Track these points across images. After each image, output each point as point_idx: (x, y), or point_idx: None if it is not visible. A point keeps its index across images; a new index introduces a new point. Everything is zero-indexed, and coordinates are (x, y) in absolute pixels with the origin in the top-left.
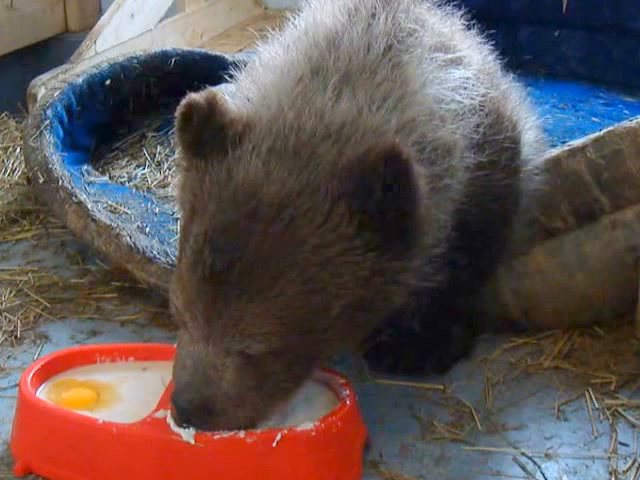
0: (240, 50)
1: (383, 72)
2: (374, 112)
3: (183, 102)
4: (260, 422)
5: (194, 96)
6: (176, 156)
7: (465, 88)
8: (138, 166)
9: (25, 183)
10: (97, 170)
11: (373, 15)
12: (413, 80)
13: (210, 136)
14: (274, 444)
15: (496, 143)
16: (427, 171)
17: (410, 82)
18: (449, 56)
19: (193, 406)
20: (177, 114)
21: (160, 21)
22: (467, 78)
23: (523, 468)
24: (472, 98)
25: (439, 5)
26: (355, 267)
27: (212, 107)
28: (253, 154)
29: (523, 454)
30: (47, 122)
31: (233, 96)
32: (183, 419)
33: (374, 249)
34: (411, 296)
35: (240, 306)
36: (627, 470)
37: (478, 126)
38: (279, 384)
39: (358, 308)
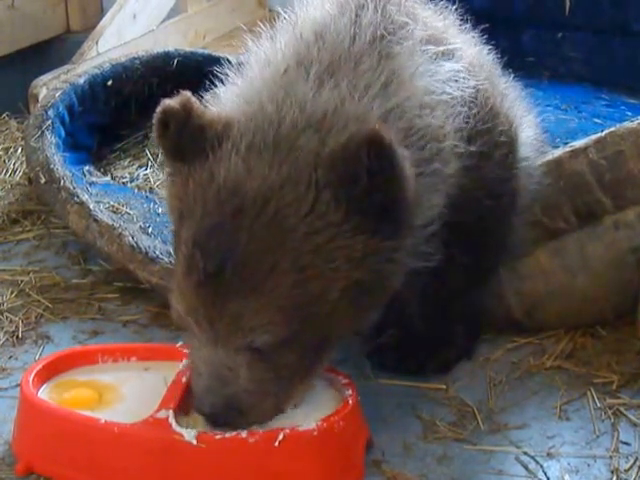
0: (243, 52)
1: (368, 62)
2: (356, 100)
3: (158, 109)
4: (286, 408)
5: (168, 101)
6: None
7: (456, 80)
8: (140, 166)
9: (26, 183)
10: (99, 170)
11: (362, 6)
12: (403, 72)
13: (189, 139)
14: (276, 444)
15: (489, 136)
16: (414, 155)
17: (400, 74)
18: (440, 49)
19: (218, 408)
20: (154, 121)
21: (162, 22)
22: (458, 71)
23: (525, 467)
24: (462, 90)
25: (434, 0)
26: (347, 250)
27: (188, 110)
28: (233, 152)
29: (525, 453)
30: (49, 122)
31: (224, 93)
32: (212, 424)
33: (364, 232)
34: (411, 277)
35: (239, 303)
36: (629, 469)
37: (468, 117)
38: (295, 372)
39: (357, 290)
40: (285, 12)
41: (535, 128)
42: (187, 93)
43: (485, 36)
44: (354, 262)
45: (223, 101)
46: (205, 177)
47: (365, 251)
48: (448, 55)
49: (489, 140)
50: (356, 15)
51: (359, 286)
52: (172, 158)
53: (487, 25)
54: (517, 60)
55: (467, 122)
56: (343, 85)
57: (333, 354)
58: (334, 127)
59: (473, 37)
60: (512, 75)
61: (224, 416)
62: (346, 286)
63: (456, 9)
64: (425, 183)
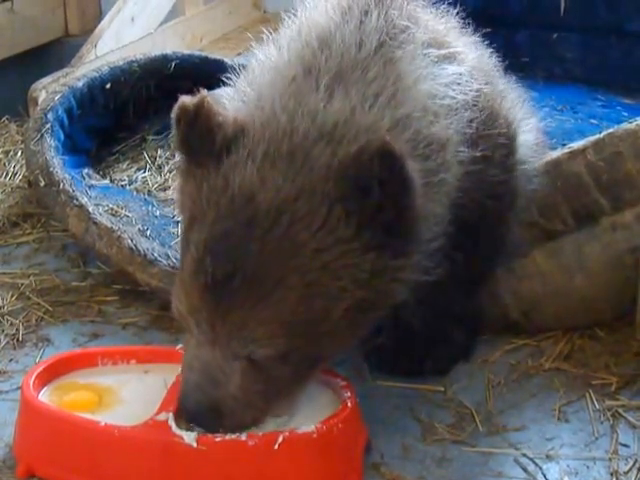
0: (239, 53)
1: (375, 69)
2: (367, 110)
3: (175, 105)
4: (263, 421)
5: (184, 99)
6: (176, 159)
7: (459, 84)
8: (138, 169)
9: (26, 186)
10: (98, 173)
11: (366, 12)
12: (406, 76)
13: (198, 139)
14: (276, 446)
15: (490, 139)
16: (421, 166)
17: (403, 78)
18: (442, 52)
19: (201, 408)
20: (172, 117)
21: (160, 25)
22: (460, 74)
23: (524, 469)
24: (465, 94)
25: (435, 4)
26: (354, 269)
27: (199, 110)
28: (248, 160)
29: (524, 455)
30: (48, 126)
31: (230, 99)
32: (190, 420)
33: (373, 249)
34: (412, 291)
35: (243, 313)
36: (628, 471)
37: (471, 121)
38: (285, 386)
39: (360, 309)
40: (287, 17)
41: (536, 132)
42: (205, 92)
43: (480, 36)
44: (360, 282)
45: (228, 105)
46: (220, 182)
47: (372, 271)
48: (450, 58)
49: (491, 144)
50: (360, 22)
51: (362, 305)
52: (184, 156)
53: (482, 25)
54: (512, 60)
55: (470, 126)
56: (353, 94)
57: (320, 370)
58: (345, 138)
59: (473, 39)
60: (510, 76)
61: (204, 416)
62: (350, 305)
63: (456, 12)
64: (431, 194)
